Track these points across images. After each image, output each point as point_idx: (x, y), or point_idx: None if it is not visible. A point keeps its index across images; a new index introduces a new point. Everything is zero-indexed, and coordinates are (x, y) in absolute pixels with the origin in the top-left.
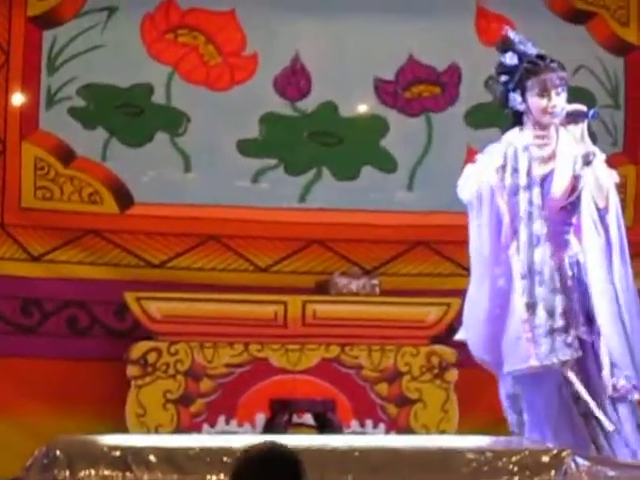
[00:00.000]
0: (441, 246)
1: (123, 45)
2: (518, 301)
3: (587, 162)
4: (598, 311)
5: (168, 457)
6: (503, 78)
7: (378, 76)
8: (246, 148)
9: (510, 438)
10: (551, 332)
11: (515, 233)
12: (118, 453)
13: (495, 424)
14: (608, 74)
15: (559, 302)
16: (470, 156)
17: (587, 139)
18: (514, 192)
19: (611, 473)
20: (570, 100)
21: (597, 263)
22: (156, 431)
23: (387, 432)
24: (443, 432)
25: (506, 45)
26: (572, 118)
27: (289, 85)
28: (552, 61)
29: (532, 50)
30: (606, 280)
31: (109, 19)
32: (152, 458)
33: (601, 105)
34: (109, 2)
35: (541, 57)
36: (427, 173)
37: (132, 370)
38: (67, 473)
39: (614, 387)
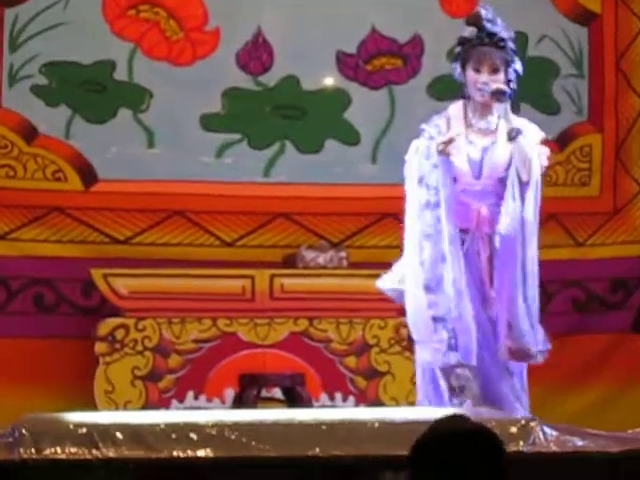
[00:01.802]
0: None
1: (85, 22)
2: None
3: (511, 138)
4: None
5: (134, 434)
6: (457, 49)
7: (340, 49)
8: (209, 123)
9: (477, 409)
10: None
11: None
12: (84, 430)
13: None
14: (572, 43)
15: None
16: None
17: (510, 117)
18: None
19: (579, 442)
20: (534, 69)
21: (510, 235)
22: (125, 408)
23: (356, 405)
24: (412, 404)
25: (474, 21)
26: (496, 97)
27: (251, 59)
28: (502, 40)
29: (497, 29)
30: (517, 252)
31: None
32: (118, 435)
33: (565, 74)
34: None
35: (491, 34)
36: (391, 145)
37: (100, 347)
38: (33, 451)
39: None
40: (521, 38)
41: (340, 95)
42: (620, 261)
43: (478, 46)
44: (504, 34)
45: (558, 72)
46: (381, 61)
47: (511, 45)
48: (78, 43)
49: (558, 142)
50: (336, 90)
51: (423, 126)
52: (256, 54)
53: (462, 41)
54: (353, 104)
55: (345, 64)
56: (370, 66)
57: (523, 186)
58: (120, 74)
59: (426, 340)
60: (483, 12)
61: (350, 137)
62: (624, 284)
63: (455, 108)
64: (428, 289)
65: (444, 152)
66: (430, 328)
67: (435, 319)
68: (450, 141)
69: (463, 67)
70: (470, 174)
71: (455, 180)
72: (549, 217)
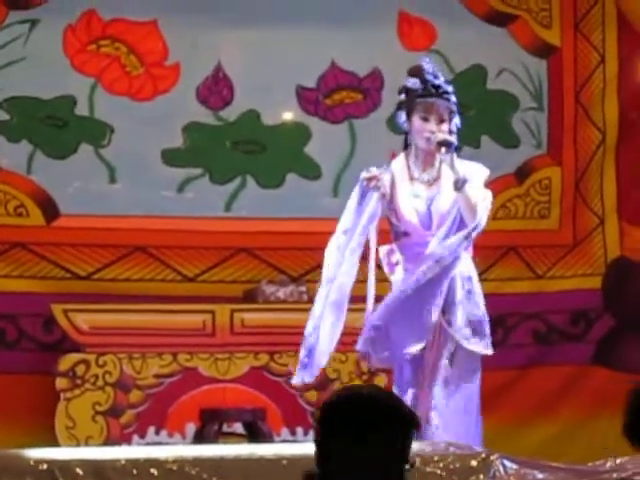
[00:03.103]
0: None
1: (45, 57)
2: None
3: (456, 188)
4: None
5: (95, 470)
6: (400, 98)
7: (300, 84)
8: (170, 158)
9: (436, 442)
10: None
11: None
12: (45, 466)
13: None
14: (531, 77)
15: None
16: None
17: (456, 167)
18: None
19: (539, 475)
20: (494, 102)
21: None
22: (86, 443)
23: None
24: None
25: (416, 72)
26: (444, 147)
27: (212, 94)
28: (446, 92)
29: (437, 81)
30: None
31: (31, 31)
32: (79, 471)
33: (524, 108)
34: (31, 15)
35: (436, 86)
36: (352, 179)
37: (61, 383)
38: None
39: None
40: (481, 71)
41: (300, 129)
42: (580, 293)
43: (425, 97)
44: (448, 87)
45: (517, 105)
46: (341, 95)
47: (454, 98)
48: (39, 78)
49: (517, 175)
50: (296, 124)
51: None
52: (216, 89)
53: (406, 91)
54: (314, 138)
55: (305, 98)
56: (330, 100)
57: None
58: (81, 109)
59: None
60: (425, 65)
61: (311, 171)
62: (584, 316)
63: (398, 163)
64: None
65: (370, 187)
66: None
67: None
68: (374, 177)
69: (408, 116)
70: (421, 227)
71: (406, 234)
72: (508, 250)
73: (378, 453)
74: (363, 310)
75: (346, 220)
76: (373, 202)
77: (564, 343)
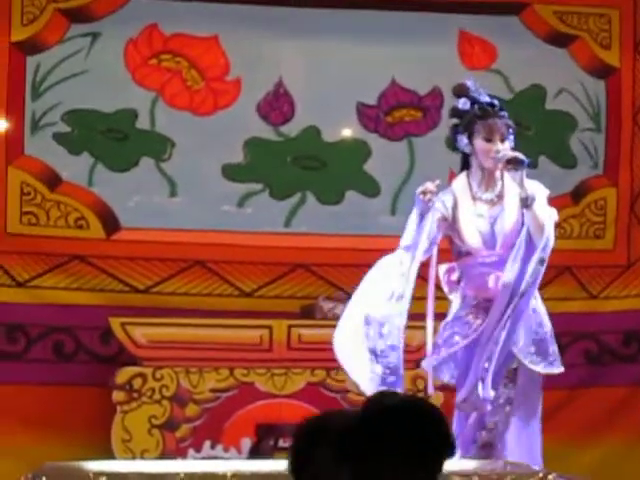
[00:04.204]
0: (425, 269)
1: (107, 70)
2: None
3: (525, 206)
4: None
5: None
6: (454, 121)
7: (360, 101)
8: (231, 173)
9: (494, 461)
10: None
11: None
12: (104, 479)
13: None
14: (590, 97)
15: None
16: (452, 179)
17: (525, 185)
18: None
19: None
20: (552, 122)
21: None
22: (142, 456)
23: None
24: None
25: (462, 92)
26: (512, 165)
27: (272, 110)
28: (501, 109)
29: (486, 98)
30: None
31: (92, 45)
32: None
33: (582, 128)
34: (92, 28)
35: (491, 104)
36: (410, 197)
37: (118, 395)
38: None
39: None
40: (540, 91)
41: (360, 146)
42: (633, 314)
43: (484, 118)
44: (498, 102)
45: (576, 126)
46: (401, 113)
47: (506, 113)
48: (100, 91)
49: (573, 195)
50: (356, 141)
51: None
52: (277, 104)
53: (460, 113)
54: (373, 155)
55: (365, 115)
56: (390, 118)
57: (531, 251)
58: (142, 123)
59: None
60: (468, 83)
61: (370, 188)
62: (637, 337)
63: (459, 183)
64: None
65: (425, 200)
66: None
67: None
68: (428, 191)
69: (469, 138)
70: (483, 247)
71: (468, 253)
72: (563, 269)
73: (410, 468)
74: (419, 328)
75: (407, 237)
76: (432, 225)
77: (616, 364)
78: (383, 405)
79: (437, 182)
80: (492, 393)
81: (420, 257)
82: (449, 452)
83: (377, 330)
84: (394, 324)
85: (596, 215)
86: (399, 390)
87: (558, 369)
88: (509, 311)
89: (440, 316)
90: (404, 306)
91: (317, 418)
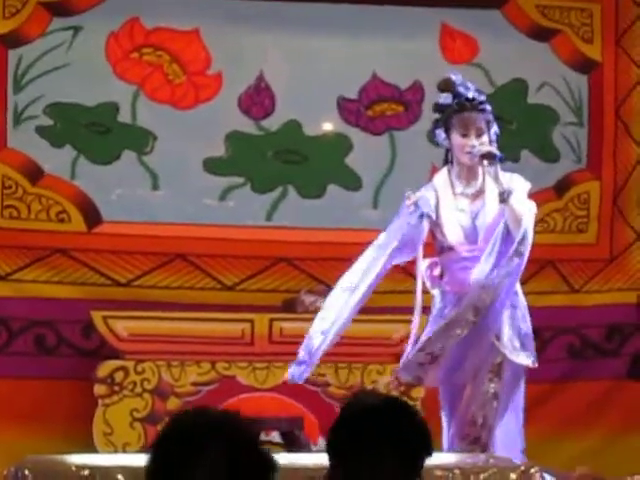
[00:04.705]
0: (407, 263)
1: (88, 64)
2: None
3: (502, 200)
4: None
5: (136, 476)
6: (435, 116)
7: (341, 95)
8: (212, 166)
9: (476, 455)
10: None
11: None
12: (87, 472)
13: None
14: (572, 91)
15: None
16: (434, 173)
17: (501, 179)
18: None
19: None
20: (534, 116)
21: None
22: (123, 450)
23: None
24: None
25: (446, 86)
26: (487, 159)
27: (253, 104)
28: (481, 103)
29: (471, 93)
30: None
31: (74, 38)
32: (120, 477)
33: (565, 122)
34: (74, 21)
35: (471, 99)
36: (392, 191)
37: (99, 389)
38: None
39: None
40: (522, 85)
41: (341, 140)
42: (616, 308)
43: (461, 112)
44: (482, 97)
45: (558, 120)
46: (382, 107)
47: (489, 107)
48: (81, 85)
49: (556, 189)
50: (337, 135)
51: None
52: (258, 98)
53: (440, 108)
54: (354, 149)
55: (346, 109)
56: (371, 111)
57: (508, 244)
58: (124, 116)
59: None
60: (454, 77)
61: (352, 182)
62: (619, 331)
63: (440, 178)
64: None
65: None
66: None
67: None
68: (415, 202)
69: (446, 132)
70: (465, 241)
71: (451, 248)
72: (546, 263)
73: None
74: (400, 322)
75: (381, 235)
76: (403, 224)
77: (598, 358)
78: (362, 404)
79: (423, 189)
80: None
81: (386, 255)
82: (427, 451)
83: (321, 315)
84: (333, 311)
85: (579, 209)
86: (304, 374)
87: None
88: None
89: (426, 310)
90: (354, 298)
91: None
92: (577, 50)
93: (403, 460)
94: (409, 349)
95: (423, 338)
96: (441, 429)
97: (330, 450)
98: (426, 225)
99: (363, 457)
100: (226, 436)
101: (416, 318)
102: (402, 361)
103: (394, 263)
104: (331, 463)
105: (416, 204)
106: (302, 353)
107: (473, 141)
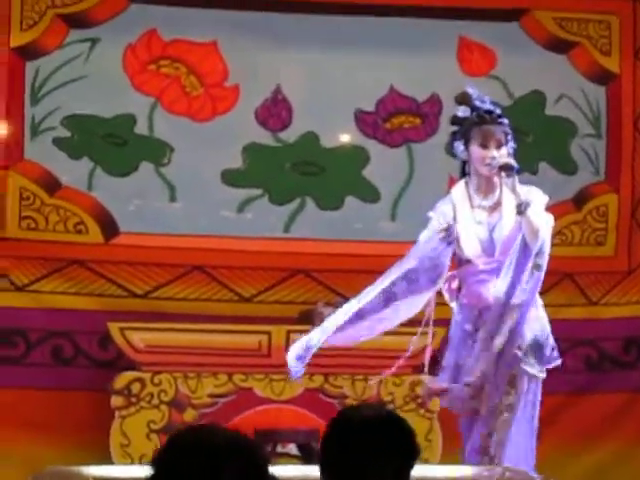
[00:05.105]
0: None
1: (106, 76)
2: None
3: (519, 212)
4: None
5: None
6: (453, 129)
7: (359, 107)
8: (230, 178)
9: (492, 468)
10: None
11: None
12: None
13: None
14: (590, 103)
15: None
16: (452, 185)
17: (518, 190)
18: None
19: None
20: (552, 128)
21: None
22: (140, 461)
23: None
24: (427, 462)
25: (463, 100)
26: (505, 171)
27: (271, 116)
28: (500, 116)
29: (487, 106)
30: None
31: (92, 50)
32: None
33: (583, 134)
34: (92, 33)
35: (489, 111)
36: (409, 203)
37: (116, 400)
38: None
39: None
40: (540, 97)
41: (359, 152)
42: (633, 321)
43: (480, 124)
44: (498, 110)
45: (576, 132)
46: (400, 119)
47: (506, 120)
48: (99, 96)
49: (575, 202)
50: (355, 147)
51: (430, 214)
52: (275, 110)
53: (458, 120)
54: (372, 162)
55: (364, 122)
56: (389, 124)
57: (526, 257)
58: (141, 128)
59: None
60: (470, 91)
61: (369, 194)
62: (637, 343)
63: (458, 191)
64: None
65: (445, 239)
66: None
67: None
68: (446, 229)
69: (465, 145)
70: (483, 254)
71: (468, 261)
72: (564, 276)
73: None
74: (417, 334)
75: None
76: (426, 245)
77: (616, 371)
78: (352, 416)
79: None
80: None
81: (401, 271)
82: (412, 463)
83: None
84: (339, 314)
85: (597, 222)
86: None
87: (555, 362)
88: (507, 320)
89: (440, 322)
90: (354, 306)
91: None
92: (595, 62)
93: (388, 471)
94: (427, 362)
95: (470, 376)
96: (457, 440)
97: (319, 461)
98: (450, 252)
99: (350, 468)
100: (244, 458)
101: (430, 330)
102: (448, 395)
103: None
104: (321, 473)
105: (447, 230)
106: (301, 353)
107: (493, 153)
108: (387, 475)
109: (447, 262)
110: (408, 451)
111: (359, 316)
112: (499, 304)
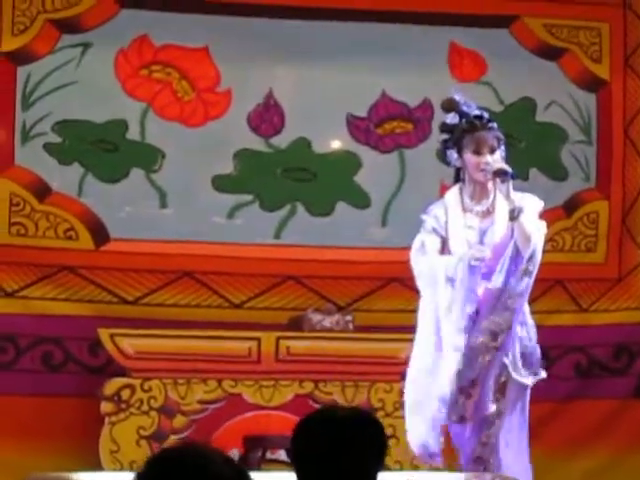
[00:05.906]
0: (415, 282)
1: (97, 81)
2: None
3: (512, 218)
4: None
5: None
6: (444, 136)
7: (351, 113)
8: (221, 184)
9: (483, 474)
10: None
11: None
12: None
13: None
14: (580, 110)
15: None
16: (443, 191)
17: (512, 196)
18: None
19: None
20: (543, 135)
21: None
22: (130, 468)
23: None
24: (416, 469)
25: (450, 106)
26: (499, 176)
27: (263, 121)
28: (489, 121)
29: (475, 112)
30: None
31: (83, 55)
32: None
33: (573, 141)
34: (83, 38)
35: (479, 117)
36: (400, 209)
37: (106, 406)
38: None
39: None
40: (530, 103)
41: (351, 158)
42: (623, 327)
43: (472, 131)
44: (486, 114)
45: (566, 138)
46: (392, 125)
47: (495, 124)
48: (90, 102)
49: (565, 208)
50: (347, 153)
51: (423, 217)
52: (267, 116)
53: (448, 128)
54: (364, 167)
55: (356, 127)
56: (381, 130)
57: (518, 261)
58: (132, 134)
59: None
60: (457, 97)
61: (360, 200)
62: (627, 350)
63: (451, 195)
64: None
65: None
66: None
67: None
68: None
69: (458, 152)
70: None
71: None
72: (554, 283)
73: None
74: (407, 340)
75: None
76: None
77: (606, 377)
78: (322, 415)
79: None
80: (493, 407)
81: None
82: (381, 463)
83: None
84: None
85: (588, 228)
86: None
87: (540, 375)
88: (498, 320)
89: None
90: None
91: None
92: (585, 69)
93: (355, 470)
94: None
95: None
96: (448, 446)
97: (291, 458)
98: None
99: (319, 466)
100: None
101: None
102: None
103: None
104: (295, 472)
105: (483, 260)
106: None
107: (487, 158)
108: (358, 469)
109: None
110: (377, 454)
111: None
112: (491, 296)
